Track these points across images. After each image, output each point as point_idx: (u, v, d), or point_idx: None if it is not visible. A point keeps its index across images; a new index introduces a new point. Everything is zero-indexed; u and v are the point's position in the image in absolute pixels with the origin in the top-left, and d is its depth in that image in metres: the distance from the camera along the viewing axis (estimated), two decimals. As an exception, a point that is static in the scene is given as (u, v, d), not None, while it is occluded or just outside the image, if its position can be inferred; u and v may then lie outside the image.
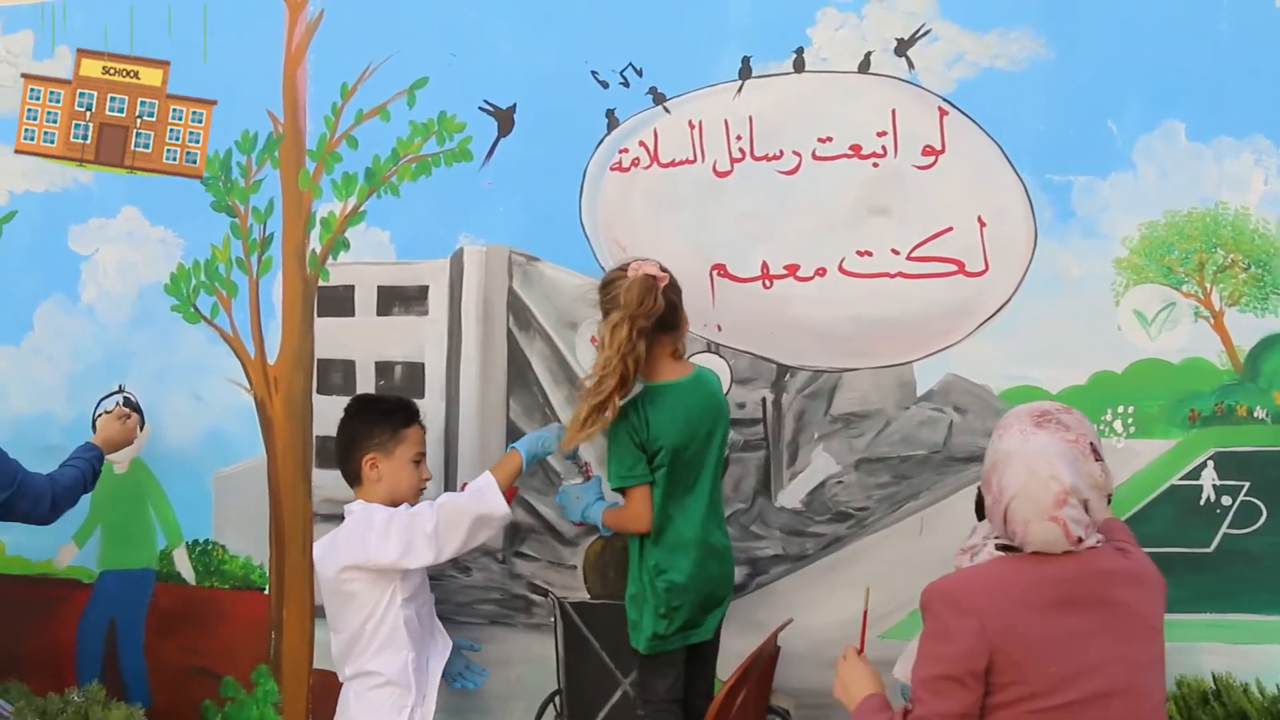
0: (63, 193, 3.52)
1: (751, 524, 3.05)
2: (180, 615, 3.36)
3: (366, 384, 3.25)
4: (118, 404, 3.39)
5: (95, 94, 3.22)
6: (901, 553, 2.97)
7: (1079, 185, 2.92)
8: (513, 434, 3.15)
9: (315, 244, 3.31)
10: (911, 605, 2.34)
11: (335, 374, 3.28)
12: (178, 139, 3.10)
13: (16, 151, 3.37)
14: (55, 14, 3.51)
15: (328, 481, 3.24)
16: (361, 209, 3.27)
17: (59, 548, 3.47)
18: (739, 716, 2.70)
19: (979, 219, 2.94)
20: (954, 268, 2.95)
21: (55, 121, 3.15)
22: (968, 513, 2.67)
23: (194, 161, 3.18)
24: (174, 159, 3.16)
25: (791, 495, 3.05)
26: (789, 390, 3.05)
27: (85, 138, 3.26)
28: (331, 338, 3.29)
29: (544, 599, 3.16)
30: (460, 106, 3.21)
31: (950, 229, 2.95)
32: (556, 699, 3.15)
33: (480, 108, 3.20)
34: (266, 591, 3.29)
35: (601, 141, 3.13)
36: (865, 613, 2.40)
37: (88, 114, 3.19)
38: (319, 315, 3.30)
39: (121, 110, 3.16)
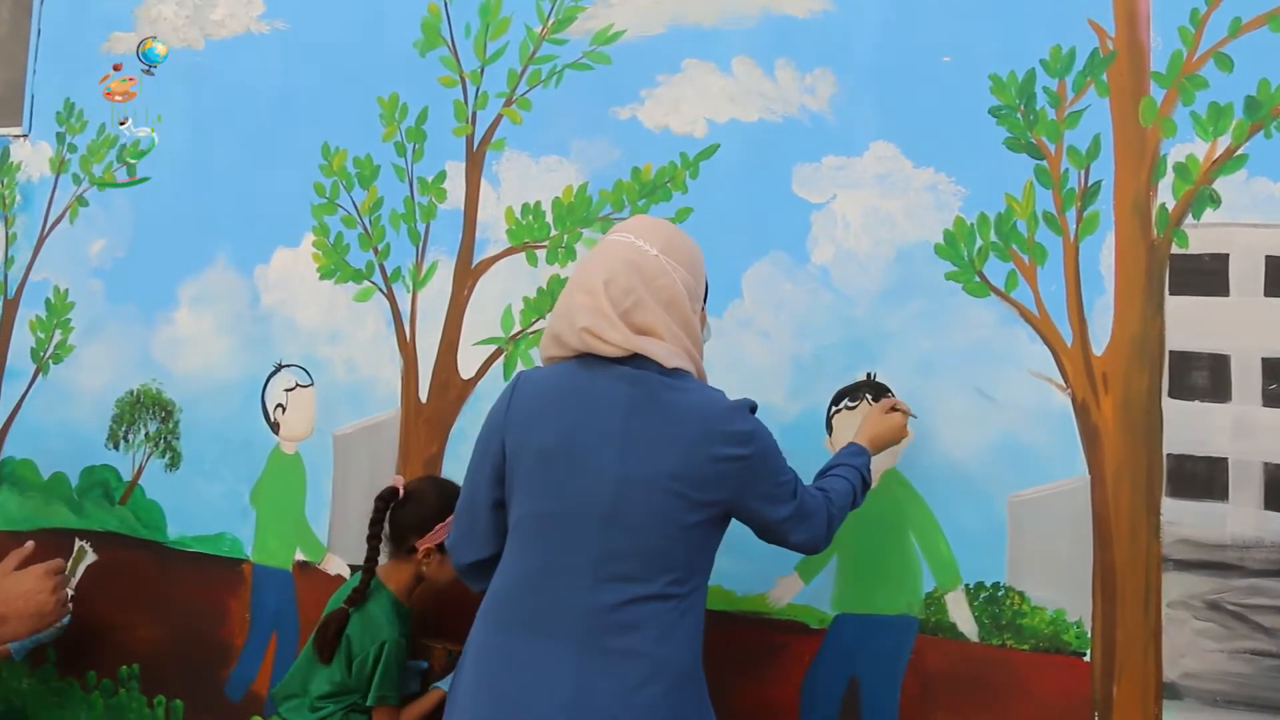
0: (784, 122, 2.76)
1: None
2: (956, 680, 2.54)
3: (1247, 385, 2.40)
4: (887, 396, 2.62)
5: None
6: None
7: None
8: None
9: (1166, 197, 2.47)
10: None
11: (1198, 372, 2.43)
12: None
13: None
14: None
15: (1184, 516, 2.41)
16: (1239, 151, 2.42)
17: (775, 579, 2.69)
18: None
19: None
20: None
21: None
22: None
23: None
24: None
25: None
26: None
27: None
28: (1192, 323, 2.44)
29: None
30: (1395, 12, 2.35)
31: None
32: None
33: None
34: (1087, 658, 2.46)
35: None
36: None
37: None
38: (1172, 293, 2.46)
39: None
